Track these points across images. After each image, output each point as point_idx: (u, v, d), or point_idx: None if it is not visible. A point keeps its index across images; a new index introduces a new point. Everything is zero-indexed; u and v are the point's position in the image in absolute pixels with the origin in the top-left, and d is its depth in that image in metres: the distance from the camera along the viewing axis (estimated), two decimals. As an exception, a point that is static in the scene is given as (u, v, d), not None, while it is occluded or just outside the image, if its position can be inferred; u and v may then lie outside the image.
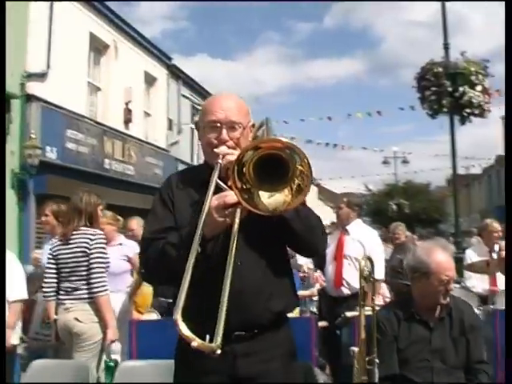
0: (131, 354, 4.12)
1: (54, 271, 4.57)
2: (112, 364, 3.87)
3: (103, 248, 4.51)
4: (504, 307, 5.45)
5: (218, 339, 1.94)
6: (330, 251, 5.85)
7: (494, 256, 6.47)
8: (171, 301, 5.77)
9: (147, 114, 18.96)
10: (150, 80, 18.98)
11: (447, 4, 10.91)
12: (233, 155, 2.33)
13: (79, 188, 5.04)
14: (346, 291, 5.60)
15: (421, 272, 3.33)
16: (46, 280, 4.60)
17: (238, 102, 2.51)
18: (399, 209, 38.64)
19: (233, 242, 2.13)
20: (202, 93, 23.42)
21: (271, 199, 2.12)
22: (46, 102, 12.71)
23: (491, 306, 5.44)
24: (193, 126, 22.30)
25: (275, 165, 2.08)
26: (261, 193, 2.12)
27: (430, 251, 3.34)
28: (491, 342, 4.12)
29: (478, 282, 6.60)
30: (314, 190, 51.51)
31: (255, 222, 2.23)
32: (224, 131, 2.41)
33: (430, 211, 45.68)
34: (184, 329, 1.94)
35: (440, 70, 10.64)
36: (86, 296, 4.43)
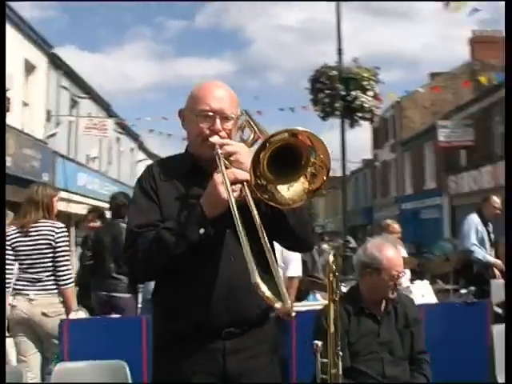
0: (62, 356, 3.90)
1: (11, 262, 4.45)
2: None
3: (68, 241, 4.53)
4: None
5: (289, 302, 1.90)
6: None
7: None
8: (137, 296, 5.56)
9: (25, 104, 18.00)
10: (29, 68, 18.04)
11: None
12: (230, 145, 2.28)
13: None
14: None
15: (372, 268, 3.42)
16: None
17: (230, 92, 2.45)
18: (272, 207, 39.45)
19: (258, 222, 2.08)
20: (82, 85, 22.65)
21: (291, 191, 2.09)
22: None
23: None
24: (71, 119, 21.51)
25: (287, 155, 2.06)
26: (279, 187, 2.09)
27: (381, 247, 3.44)
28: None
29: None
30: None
31: (245, 218, 2.20)
32: (218, 121, 2.35)
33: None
34: (266, 291, 1.89)
35: (334, 73, 10.98)
36: (51, 287, 4.42)
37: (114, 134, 24.97)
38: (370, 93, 11.02)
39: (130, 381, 3.56)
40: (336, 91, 10.96)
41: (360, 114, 11.13)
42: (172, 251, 2.19)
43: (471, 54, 30.91)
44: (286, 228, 2.30)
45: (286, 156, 2.05)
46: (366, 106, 10.96)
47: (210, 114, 2.34)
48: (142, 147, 34.21)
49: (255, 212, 2.07)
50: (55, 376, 3.52)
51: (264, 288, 1.88)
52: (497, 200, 7.60)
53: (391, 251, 3.44)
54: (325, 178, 2.09)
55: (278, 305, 1.88)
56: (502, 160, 21.00)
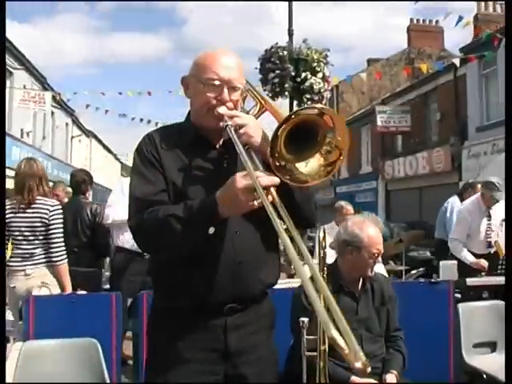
0: (28, 334, 3.74)
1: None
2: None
3: (61, 218, 4.57)
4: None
5: (362, 356, 1.45)
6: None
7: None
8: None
9: (-44, 73, 17.18)
10: (-39, 35, 17.20)
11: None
12: (239, 117, 2.20)
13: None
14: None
15: (353, 246, 3.43)
16: None
17: (238, 61, 2.34)
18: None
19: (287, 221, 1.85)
20: (17, 55, 21.79)
21: (308, 167, 2.01)
22: None
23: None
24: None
25: (302, 131, 1.97)
26: (297, 165, 2.01)
27: (362, 226, 3.45)
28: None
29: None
30: (117, 166, 50.80)
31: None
32: (225, 91, 2.24)
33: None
34: (346, 348, 1.47)
35: (285, 53, 10.95)
36: (43, 260, 4.46)
37: (49, 108, 24.28)
38: (320, 74, 11.04)
39: (102, 359, 3.47)
40: (286, 72, 10.94)
41: (309, 96, 11.13)
42: (178, 241, 2.09)
43: (408, 42, 31.54)
44: (293, 205, 2.20)
45: (301, 133, 1.96)
46: (315, 87, 10.97)
47: (218, 83, 2.24)
48: (76, 123, 33.34)
49: (284, 212, 1.88)
50: (23, 355, 3.38)
51: (342, 343, 1.47)
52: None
53: (372, 229, 3.46)
54: (341, 157, 2.02)
55: (358, 364, 1.45)
56: (438, 146, 21.62)
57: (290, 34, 11.34)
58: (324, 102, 11.58)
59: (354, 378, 3.22)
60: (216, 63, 2.26)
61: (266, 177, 1.91)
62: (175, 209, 2.10)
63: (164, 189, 2.22)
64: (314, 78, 10.97)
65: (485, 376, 3.76)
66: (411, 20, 31.09)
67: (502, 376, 3.72)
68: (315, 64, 11.02)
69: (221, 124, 2.21)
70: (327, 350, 3.01)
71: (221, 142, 2.33)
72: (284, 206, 2.03)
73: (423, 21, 31.08)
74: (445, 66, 18.29)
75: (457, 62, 16.07)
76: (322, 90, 11.11)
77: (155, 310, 2.38)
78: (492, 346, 4.24)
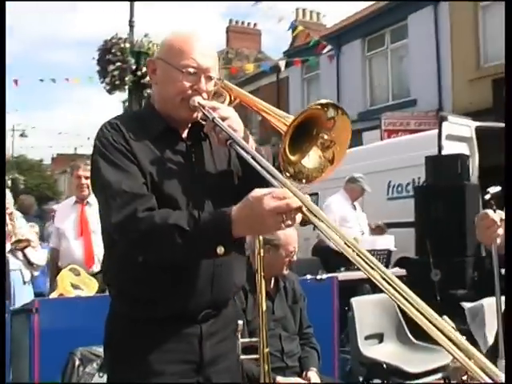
0: None
1: None
2: None
3: None
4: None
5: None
6: (70, 226, 5.42)
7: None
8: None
9: None
10: None
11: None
12: (221, 109, 2.04)
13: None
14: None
15: (271, 244, 3.38)
16: None
17: (215, 49, 2.19)
18: (14, 184, 37.26)
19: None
20: None
21: (311, 162, 1.93)
22: None
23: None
24: None
25: (301, 126, 1.88)
26: (303, 162, 1.92)
27: (278, 225, 3.41)
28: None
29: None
30: None
31: (226, 190, 2.02)
32: (203, 80, 2.06)
33: (43, 188, 45.22)
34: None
35: (127, 45, 10.58)
36: None
37: None
38: (158, 70, 10.87)
39: None
40: (127, 64, 10.58)
41: (149, 91, 10.88)
42: (177, 255, 1.84)
43: (226, 42, 32.18)
44: None
45: (300, 128, 1.87)
46: (156, 82, 10.78)
47: (194, 71, 2.04)
48: None
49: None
50: None
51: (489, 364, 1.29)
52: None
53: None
54: (337, 151, 1.95)
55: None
56: (259, 146, 22.30)
57: (131, 25, 10.98)
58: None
59: (279, 379, 3.18)
60: (195, 49, 2.05)
61: (290, 197, 1.66)
62: (178, 217, 1.82)
63: (144, 182, 1.95)
64: (155, 73, 10.75)
65: (384, 366, 3.91)
66: (230, 21, 31.77)
67: (399, 364, 3.93)
68: (157, 58, 10.80)
69: (194, 115, 2.07)
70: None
71: (185, 133, 2.16)
72: None
73: (242, 23, 31.91)
74: (271, 67, 18.90)
75: (282, 64, 16.75)
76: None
77: (119, 318, 2.10)
78: (379, 337, 4.44)
